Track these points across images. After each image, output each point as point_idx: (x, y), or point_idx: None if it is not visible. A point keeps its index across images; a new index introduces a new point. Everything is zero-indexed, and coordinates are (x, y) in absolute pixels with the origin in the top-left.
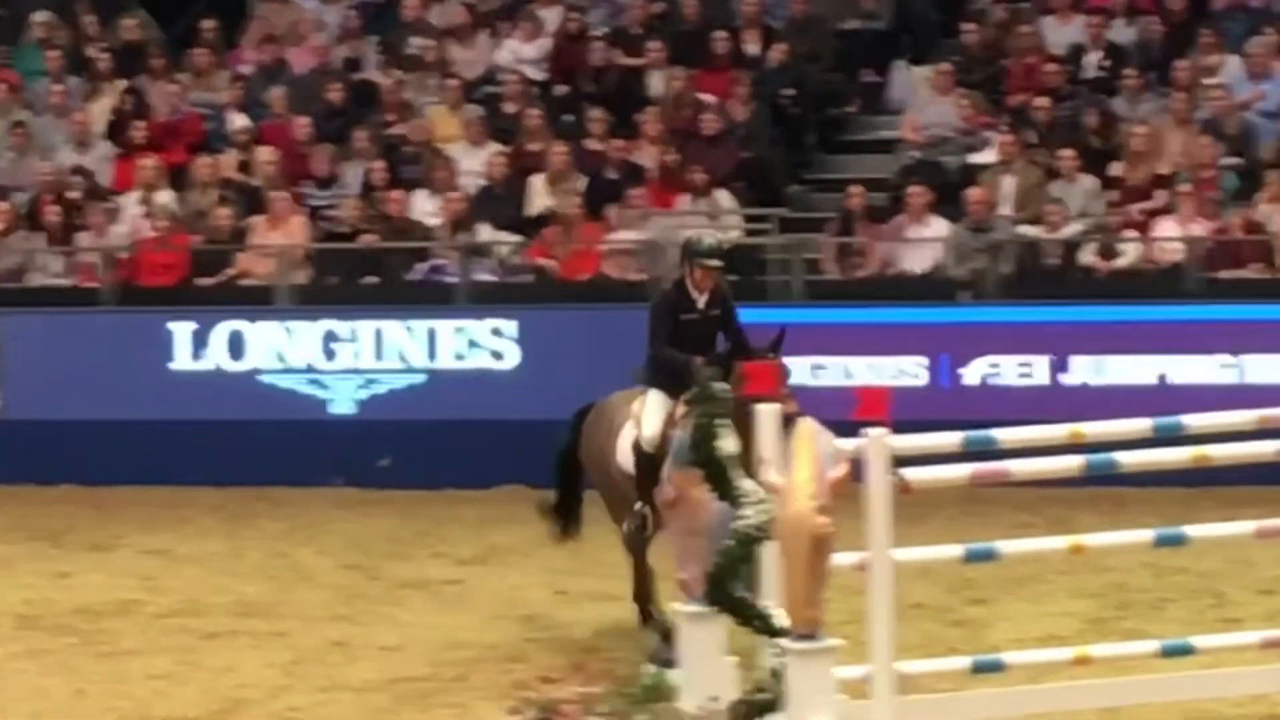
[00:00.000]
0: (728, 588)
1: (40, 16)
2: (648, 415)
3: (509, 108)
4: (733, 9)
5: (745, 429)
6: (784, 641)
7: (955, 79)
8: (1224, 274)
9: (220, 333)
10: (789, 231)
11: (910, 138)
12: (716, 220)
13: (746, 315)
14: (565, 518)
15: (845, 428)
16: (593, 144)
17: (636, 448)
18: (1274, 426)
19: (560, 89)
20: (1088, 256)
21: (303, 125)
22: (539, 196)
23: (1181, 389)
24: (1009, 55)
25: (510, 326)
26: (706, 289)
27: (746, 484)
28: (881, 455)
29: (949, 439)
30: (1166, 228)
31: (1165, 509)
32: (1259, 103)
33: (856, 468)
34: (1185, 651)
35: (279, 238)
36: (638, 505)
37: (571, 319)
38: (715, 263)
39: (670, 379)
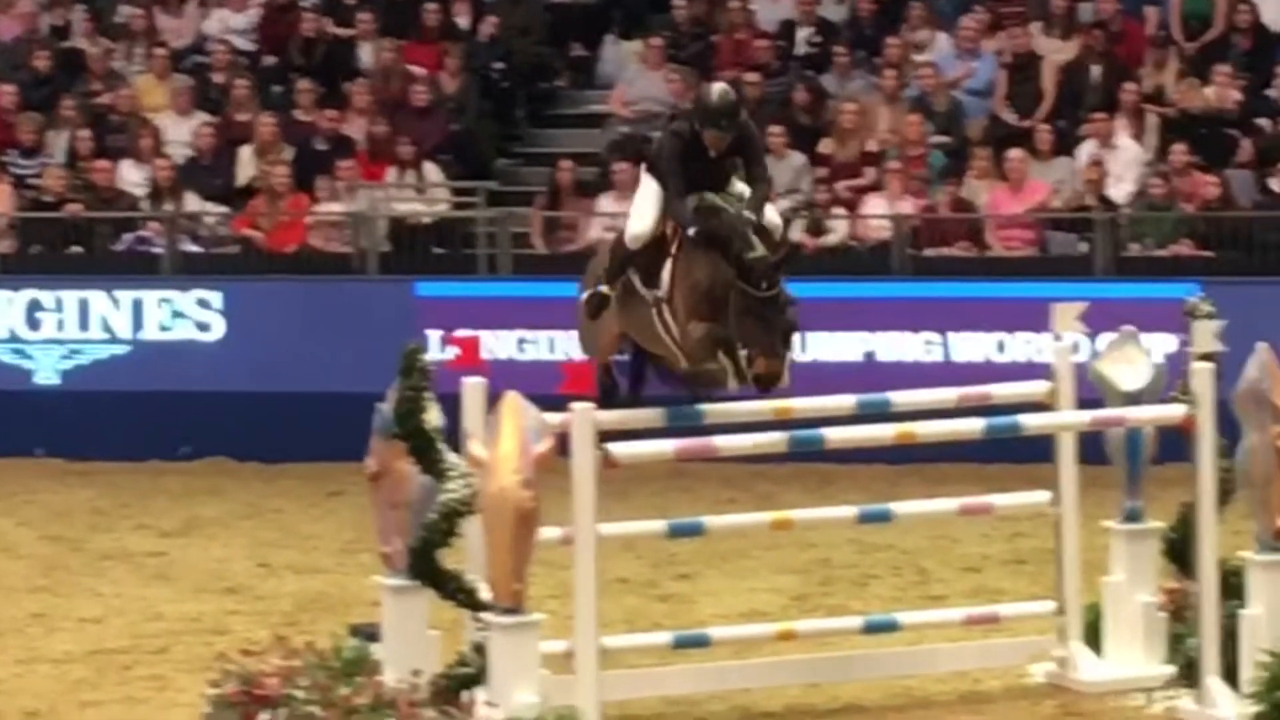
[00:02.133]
0: (431, 561)
1: None
2: (639, 206)
3: (217, 78)
4: None
5: None
6: (487, 616)
7: (665, 54)
8: (931, 252)
9: None
10: (497, 205)
11: (619, 112)
12: (424, 193)
13: (452, 289)
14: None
15: (551, 402)
16: (301, 115)
17: (616, 240)
18: (976, 404)
19: (269, 59)
20: (796, 233)
21: (8, 93)
22: (246, 167)
23: (888, 366)
24: (719, 30)
25: (216, 298)
26: (719, 149)
27: (451, 457)
28: (587, 429)
29: (654, 414)
30: (874, 205)
31: (871, 486)
32: (968, 80)
33: (562, 442)
34: (889, 628)
35: None
36: (603, 287)
37: (277, 291)
38: (723, 133)
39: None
